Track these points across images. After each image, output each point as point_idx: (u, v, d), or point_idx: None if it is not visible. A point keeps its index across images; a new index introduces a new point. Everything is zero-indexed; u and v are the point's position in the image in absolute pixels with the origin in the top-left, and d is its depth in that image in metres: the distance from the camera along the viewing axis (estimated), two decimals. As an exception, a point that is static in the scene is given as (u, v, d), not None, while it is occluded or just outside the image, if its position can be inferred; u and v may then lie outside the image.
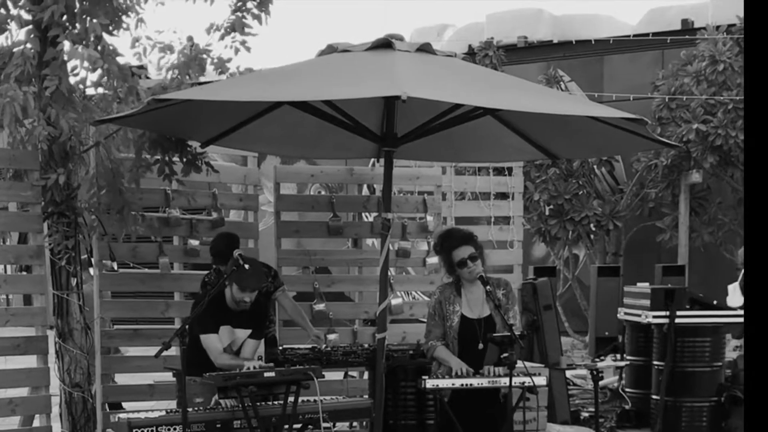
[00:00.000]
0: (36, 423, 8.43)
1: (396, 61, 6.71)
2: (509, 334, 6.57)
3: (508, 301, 6.88)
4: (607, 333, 10.91)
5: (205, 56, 7.83)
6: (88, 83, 7.51)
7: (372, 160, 9.54)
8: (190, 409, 6.56)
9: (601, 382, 9.58)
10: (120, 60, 7.33)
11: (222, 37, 7.85)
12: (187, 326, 6.75)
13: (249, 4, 7.82)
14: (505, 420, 6.70)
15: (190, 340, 6.82)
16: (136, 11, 7.48)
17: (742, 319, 9.64)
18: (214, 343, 7.13)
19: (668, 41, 17.11)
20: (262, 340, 7.58)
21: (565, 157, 11.89)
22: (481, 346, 6.73)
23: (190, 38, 7.98)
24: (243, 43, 7.84)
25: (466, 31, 20.48)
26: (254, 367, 6.88)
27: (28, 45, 7.39)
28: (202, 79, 8.05)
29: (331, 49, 7.26)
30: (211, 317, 7.06)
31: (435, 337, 6.83)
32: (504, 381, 6.53)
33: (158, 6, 7.64)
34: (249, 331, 7.29)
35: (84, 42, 7.15)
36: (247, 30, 7.84)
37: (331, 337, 9.19)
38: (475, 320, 6.79)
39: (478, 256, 6.79)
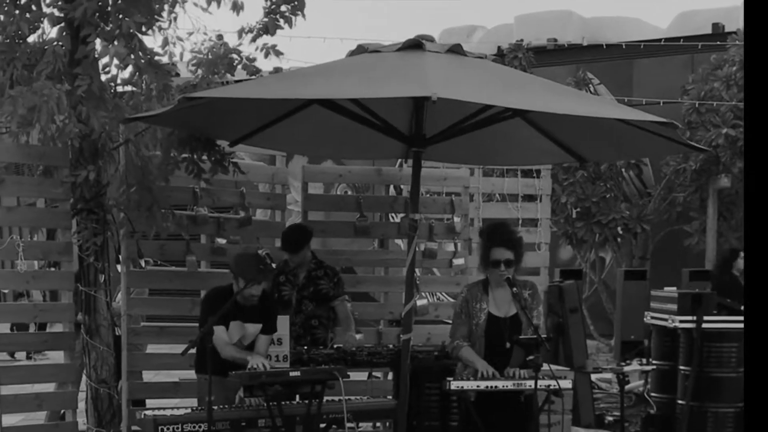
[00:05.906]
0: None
1: (426, 62, 6.68)
2: (536, 336, 6.57)
3: (533, 301, 6.87)
4: (632, 337, 10.85)
5: (234, 56, 7.83)
6: (119, 81, 7.54)
7: (399, 160, 9.51)
8: (215, 407, 6.58)
9: (626, 387, 9.54)
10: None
11: (254, 39, 7.85)
12: (212, 326, 6.79)
13: (283, 8, 7.82)
14: (528, 422, 6.70)
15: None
16: (171, 11, 7.50)
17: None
18: (219, 334, 7.12)
19: (699, 47, 17.03)
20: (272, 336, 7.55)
21: (593, 159, 11.86)
22: (508, 345, 6.72)
23: (219, 36, 7.99)
24: (274, 47, 7.83)
25: (496, 33, 20.48)
26: (261, 364, 6.87)
27: (60, 43, 7.43)
28: (231, 79, 8.05)
29: (361, 50, 7.26)
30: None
31: (460, 336, 6.82)
32: (529, 383, 6.52)
33: (190, 8, 7.65)
34: (259, 326, 7.29)
35: (115, 40, 7.18)
36: (277, 32, 7.84)
37: (357, 337, 9.19)
38: (501, 319, 6.78)
39: (513, 262, 6.77)
